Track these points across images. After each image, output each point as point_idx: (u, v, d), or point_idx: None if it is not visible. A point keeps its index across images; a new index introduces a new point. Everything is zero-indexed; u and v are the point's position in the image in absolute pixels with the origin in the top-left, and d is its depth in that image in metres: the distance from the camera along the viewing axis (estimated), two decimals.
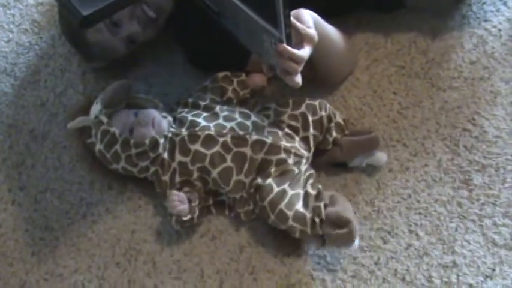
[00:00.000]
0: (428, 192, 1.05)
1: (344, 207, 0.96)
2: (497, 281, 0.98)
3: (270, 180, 0.98)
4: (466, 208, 1.04)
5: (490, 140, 1.08)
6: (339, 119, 1.06)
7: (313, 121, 1.04)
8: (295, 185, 0.99)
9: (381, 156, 1.06)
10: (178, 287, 1.03)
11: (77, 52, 1.20)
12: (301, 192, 0.98)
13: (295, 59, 0.84)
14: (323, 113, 1.04)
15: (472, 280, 0.98)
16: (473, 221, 1.03)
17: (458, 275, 0.99)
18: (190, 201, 1.00)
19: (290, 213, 0.96)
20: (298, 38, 0.87)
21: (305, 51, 0.86)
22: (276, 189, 0.97)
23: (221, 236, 1.06)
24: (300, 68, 0.86)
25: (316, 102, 1.05)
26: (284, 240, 1.02)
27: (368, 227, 1.04)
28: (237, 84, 1.10)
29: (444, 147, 1.08)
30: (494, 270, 0.99)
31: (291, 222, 0.96)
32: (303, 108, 1.04)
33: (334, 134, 1.05)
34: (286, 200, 0.96)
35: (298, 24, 0.87)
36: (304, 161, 1.02)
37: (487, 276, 0.99)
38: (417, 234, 1.03)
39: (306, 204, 0.97)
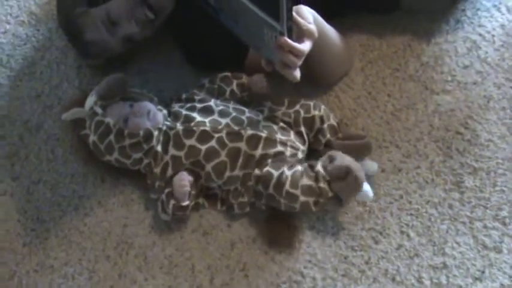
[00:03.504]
0: (420, 194, 1.06)
1: (342, 158, 0.97)
2: (486, 284, 0.99)
3: (267, 168, 0.99)
4: (457, 210, 1.04)
5: (482, 143, 1.09)
6: (332, 121, 1.07)
7: (304, 118, 1.05)
8: (292, 167, 0.99)
9: (371, 165, 1.06)
10: (169, 281, 1.02)
11: (74, 48, 1.20)
12: (301, 168, 0.99)
13: (296, 53, 0.84)
14: (316, 113, 1.05)
15: (461, 282, 0.99)
16: (463, 223, 1.03)
17: (448, 277, 0.99)
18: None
19: (297, 191, 0.96)
20: (298, 33, 0.87)
21: (305, 46, 0.87)
22: (275, 174, 0.98)
23: (213, 231, 1.06)
24: (300, 62, 0.86)
25: (311, 103, 1.06)
26: (276, 237, 1.03)
27: (360, 227, 1.04)
28: (236, 86, 1.10)
29: (437, 149, 1.09)
30: (483, 272, 1.00)
31: (302, 198, 0.96)
32: (297, 107, 1.05)
33: (327, 135, 1.06)
34: (289, 179, 0.97)
35: (300, 19, 0.88)
36: (300, 153, 1.03)
37: (476, 279, 0.99)
38: (408, 235, 1.03)
39: (308, 176, 0.97)
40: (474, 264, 1.00)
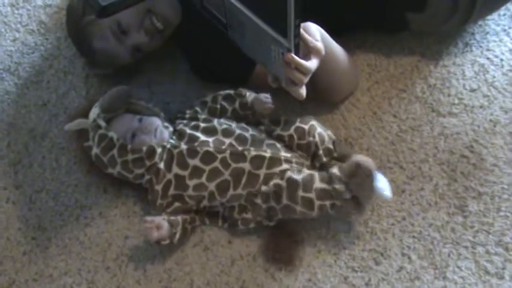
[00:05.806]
0: (423, 216, 1.05)
1: (352, 157, 0.96)
2: None
3: (272, 181, 0.98)
4: (460, 234, 1.04)
5: (487, 168, 1.08)
6: (327, 144, 1.05)
7: (298, 144, 1.04)
8: (299, 173, 0.98)
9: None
10: None
11: (82, 57, 1.20)
12: (312, 172, 0.98)
13: (302, 70, 0.84)
14: (311, 139, 1.04)
15: None
16: (466, 247, 1.02)
17: None
18: (172, 225, 1.00)
19: (312, 195, 0.95)
20: (305, 50, 0.87)
21: (312, 63, 0.86)
22: (284, 184, 0.97)
23: (213, 247, 1.05)
24: (306, 80, 0.86)
25: (307, 127, 1.04)
26: (276, 254, 1.02)
27: (361, 248, 1.03)
28: (239, 105, 1.09)
29: (441, 172, 1.09)
30: None
31: (317, 202, 0.95)
32: (291, 131, 1.04)
33: (323, 159, 1.04)
34: (301, 184, 0.96)
35: (307, 36, 0.88)
36: (305, 168, 1.02)
37: None
38: (409, 258, 1.02)
39: (321, 179, 0.96)
40: None
